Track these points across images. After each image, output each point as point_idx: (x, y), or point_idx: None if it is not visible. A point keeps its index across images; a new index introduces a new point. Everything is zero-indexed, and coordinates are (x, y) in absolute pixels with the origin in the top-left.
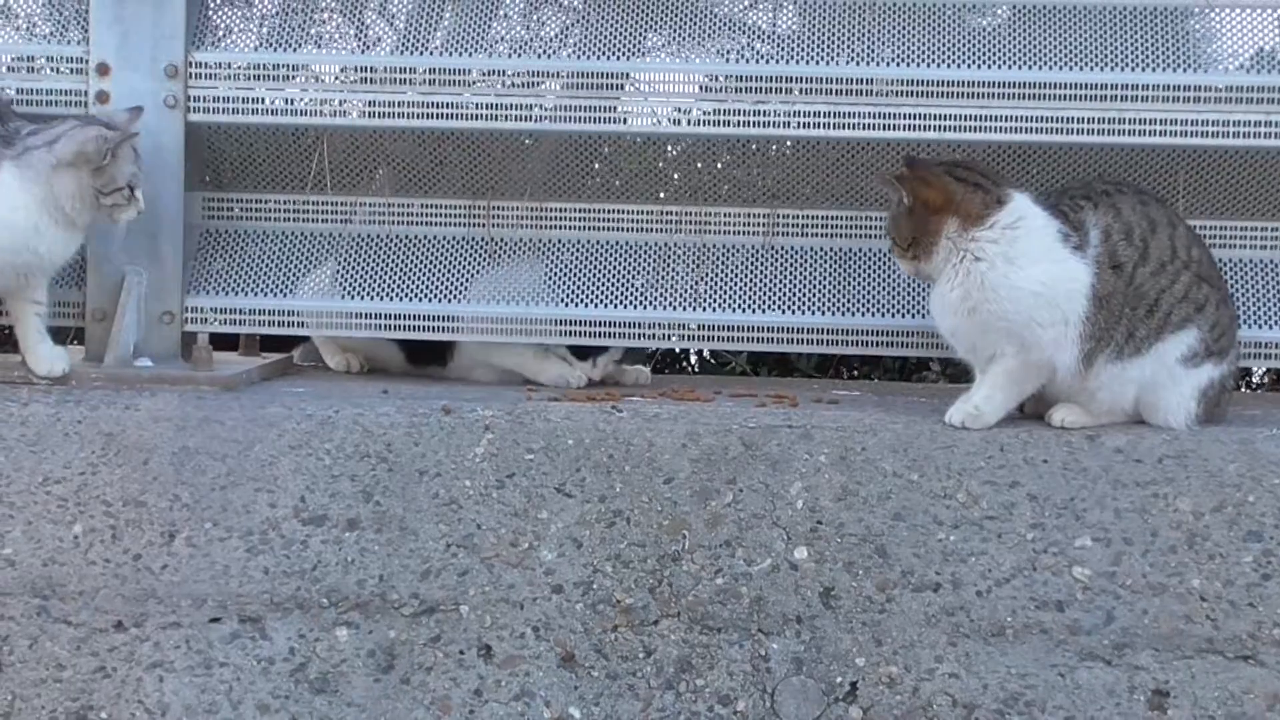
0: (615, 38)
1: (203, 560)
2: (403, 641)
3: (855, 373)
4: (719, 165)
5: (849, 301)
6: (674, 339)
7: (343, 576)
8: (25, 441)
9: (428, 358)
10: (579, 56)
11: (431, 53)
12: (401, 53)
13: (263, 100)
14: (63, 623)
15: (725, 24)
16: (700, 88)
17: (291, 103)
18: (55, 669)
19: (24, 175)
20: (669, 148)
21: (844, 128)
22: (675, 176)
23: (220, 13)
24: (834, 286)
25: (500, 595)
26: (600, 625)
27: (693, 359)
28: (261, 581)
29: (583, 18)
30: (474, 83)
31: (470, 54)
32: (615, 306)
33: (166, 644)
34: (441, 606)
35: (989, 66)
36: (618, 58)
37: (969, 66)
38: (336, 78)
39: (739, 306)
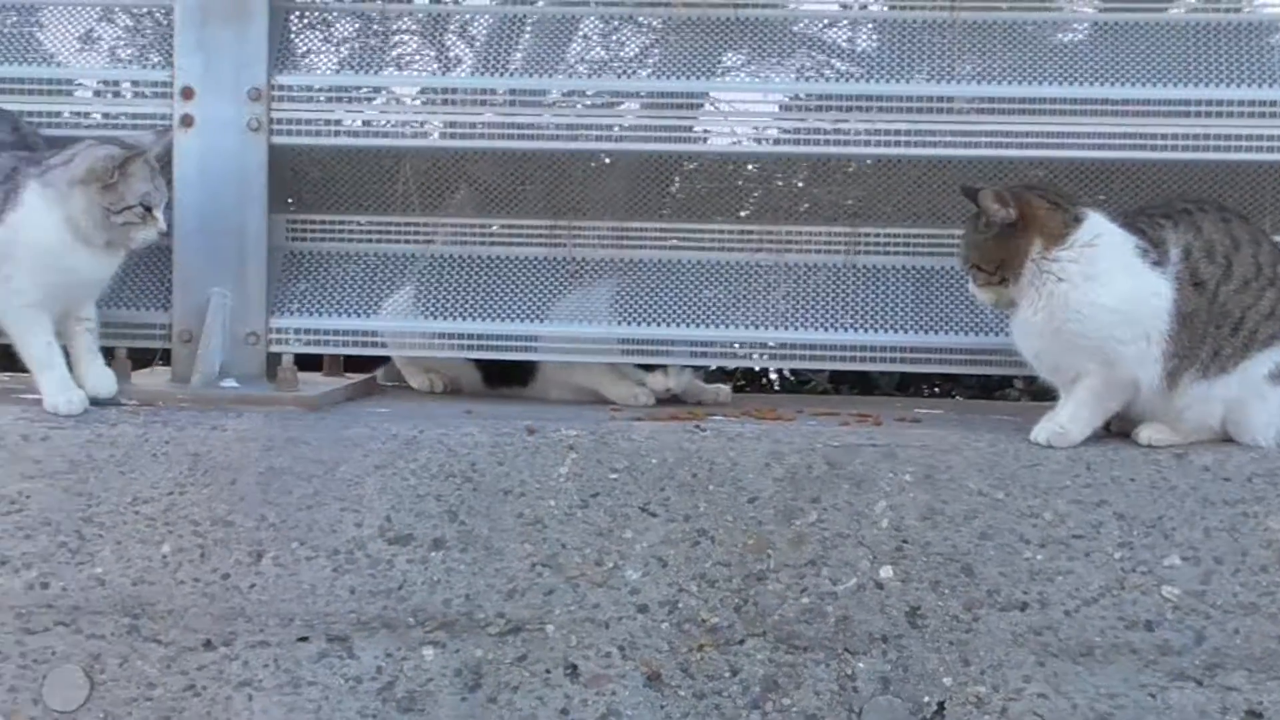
0: (693, 57)
1: (290, 580)
2: (489, 660)
3: (936, 390)
4: (799, 184)
5: (930, 320)
6: (754, 358)
7: (429, 596)
8: (114, 462)
9: (505, 378)
10: (657, 76)
11: (511, 74)
12: (481, 74)
13: (344, 122)
14: (153, 641)
15: (803, 42)
16: (779, 106)
17: (372, 124)
18: (146, 687)
19: (46, 195)
20: (747, 166)
21: (923, 146)
22: (755, 195)
23: (302, 36)
24: (915, 305)
25: (586, 614)
26: (686, 644)
27: (773, 377)
28: (348, 601)
29: (661, 38)
30: (553, 103)
31: (549, 75)
32: (695, 326)
33: (255, 663)
34: (527, 626)
35: (1070, 83)
36: (696, 77)
37: (1049, 83)
38: (416, 99)
39: (819, 325)
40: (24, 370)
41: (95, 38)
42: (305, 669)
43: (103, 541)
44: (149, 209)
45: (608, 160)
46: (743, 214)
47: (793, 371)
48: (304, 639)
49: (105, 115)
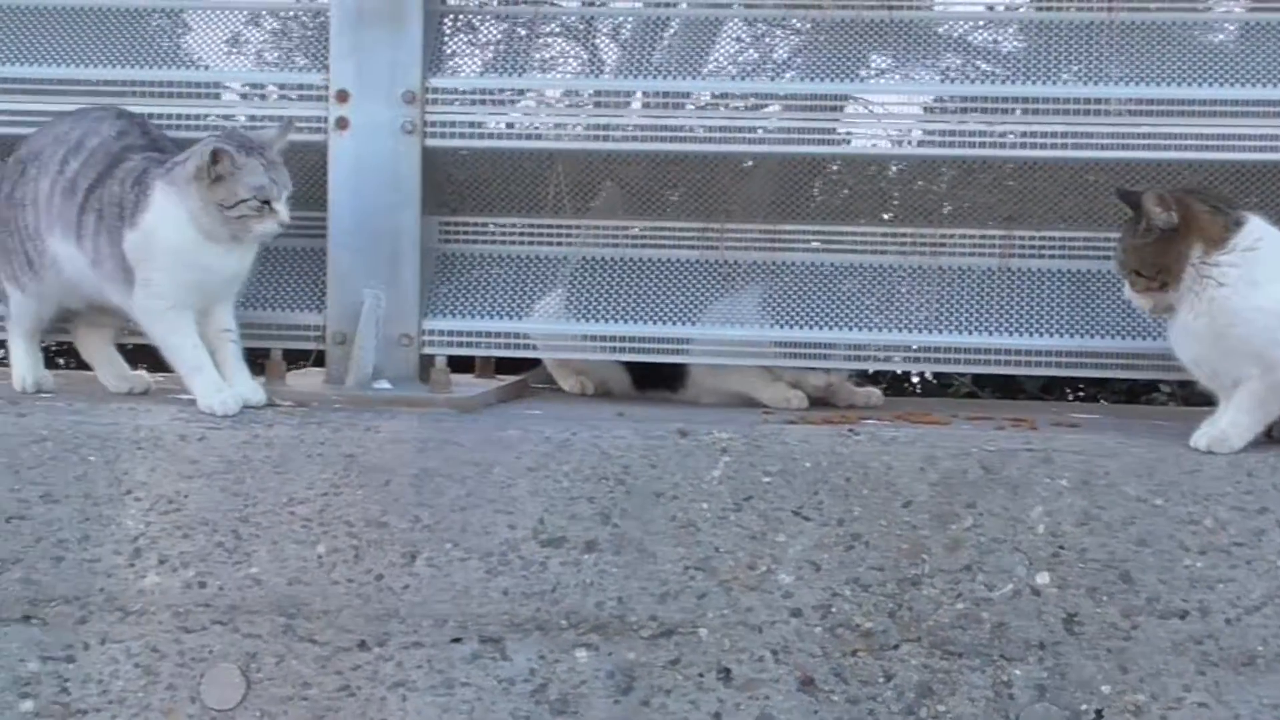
0: (838, 59)
1: (443, 581)
2: (642, 664)
3: (1081, 395)
4: (951, 186)
5: (1083, 323)
6: (904, 361)
7: (582, 598)
8: (270, 462)
9: (655, 382)
10: (802, 79)
11: (656, 76)
12: (630, 76)
13: (496, 125)
14: (308, 641)
15: (949, 44)
16: (924, 109)
17: (522, 127)
18: (301, 686)
19: (170, 193)
20: (894, 168)
21: (1077, 148)
22: (905, 198)
23: (455, 39)
24: (1068, 308)
25: (739, 618)
26: (839, 649)
27: (915, 380)
28: (501, 602)
29: (809, 40)
30: (704, 105)
31: (695, 77)
32: (848, 329)
33: (409, 663)
34: (680, 629)
35: (1227, 85)
36: (840, 79)
37: (1206, 85)
38: (567, 102)
39: (971, 328)
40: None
41: (242, 41)
42: (458, 670)
43: (259, 541)
44: (266, 202)
45: (751, 164)
46: (890, 216)
47: (935, 374)
48: (457, 640)
49: (256, 118)
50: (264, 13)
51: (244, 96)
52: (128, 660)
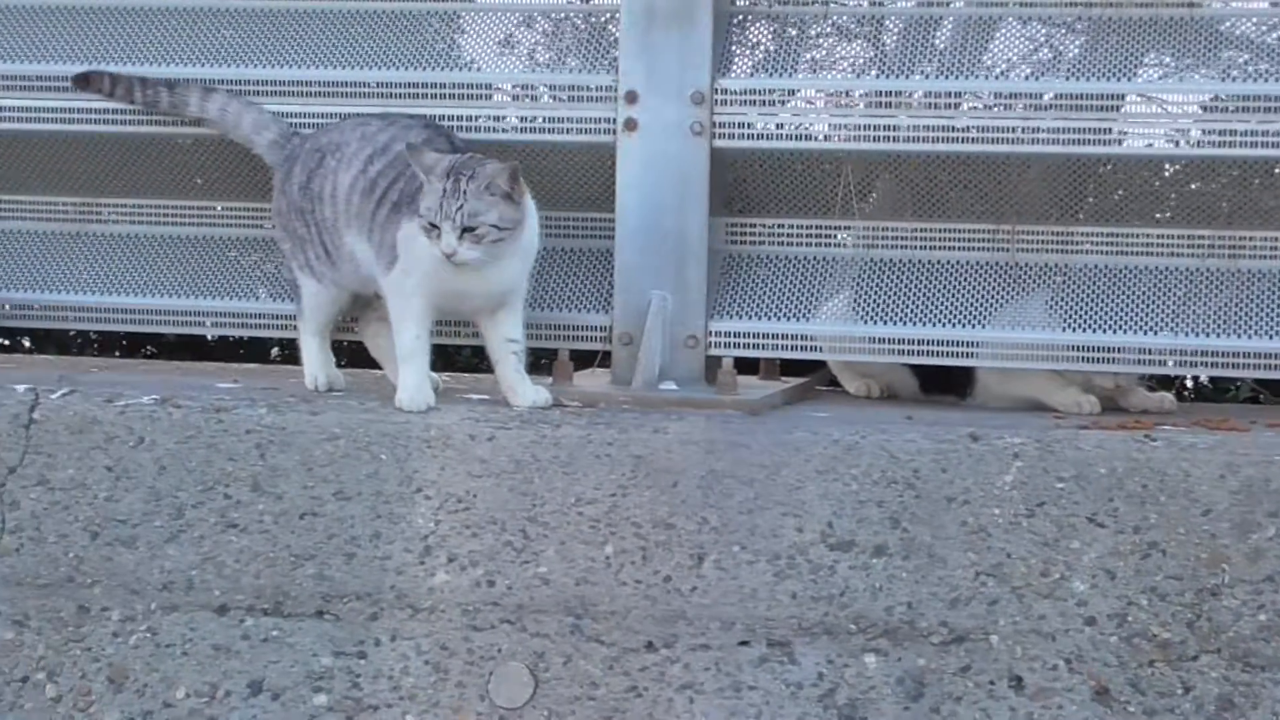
0: (1111, 58)
1: (731, 583)
2: (932, 670)
3: None
4: (1241, 189)
5: None
6: (1189, 365)
7: (870, 603)
8: (558, 463)
9: (942, 386)
10: (1078, 77)
11: (956, 76)
12: (923, 76)
13: (783, 125)
14: (595, 641)
15: (1228, 42)
16: (1201, 108)
17: (810, 127)
18: (589, 687)
19: None
20: (1165, 167)
21: None
22: (1198, 199)
23: (743, 39)
24: None
25: (1031, 626)
26: (1135, 659)
27: (1189, 385)
28: (789, 606)
29: (1087, 40)
30: (991, 106)
31: (985, 77)
32: (1141, 332)
33: (696, 665)
34: (971, 636)
35: None
36: (1114, 79)
37: None
38: (856, 102)
39: (1264, 333)
40: (463, 370)
41: (515, 42)
42: (746, 673)
43: (547, 541)
44: (434, 225)
45: (1035, 164)
46: (1169, 216)
47: (1210, 379)
48: (744, 643)
49: (539, 119)
50: (538, 15)
51: (515, 98)
52: (418, 657)
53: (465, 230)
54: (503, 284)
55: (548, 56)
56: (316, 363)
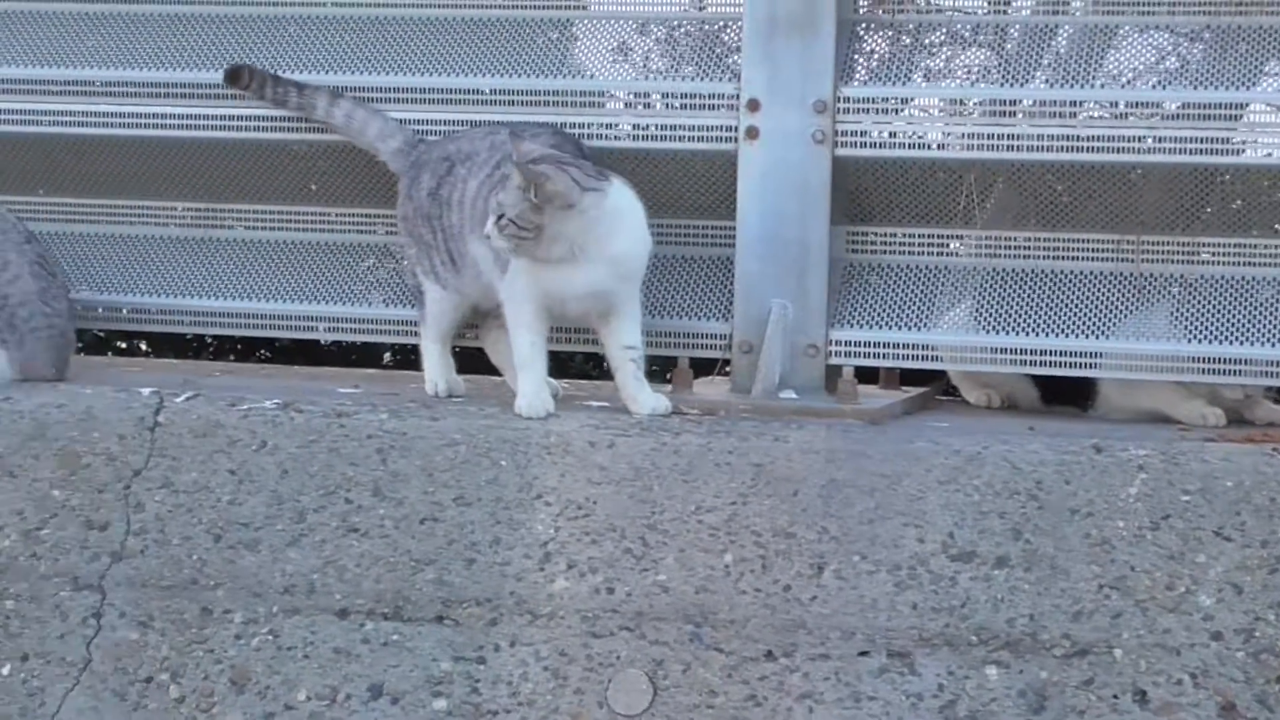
0: (1234, 66)
1: (851, 593)
2: (1054, 683)
3: None
4: None
5: None
6: None
7: (992, 614)
8: (678, 471)
9: (1063, 397)
10: (1198, 86)
11: (1064, 86)
12: (1044, 85)
13: (906, 134)
14: (714, 650)
15: None
16: None
17: (932, 136)
18: (708, 695)
19: None
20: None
21: None
22: None
23: (866, 48)
24: None
25: (1155, 640)
26: (1263, 675)
27: None
28: (909, 616)
29: (1208, 48)
30: (1115, 115)
31: (1107, 86)
32: (1268, 344)
33: (815, 675)
34: (1094, 649)
35: None
36: (1237, 87)
37: None
38: (977, 111)
39: None
40: (575, 376)
41: (628, 50)
42: (866, 684)
43: (666, 549)
44: (498, 218)
45: (1155, 174)
46: None
47: None
48: (864, 653)
49: (668, 127)
50: (652, 23)
51: (628, 105)
52: (537, 663)
53: (499, 219)
54: (592, 286)
55: (662, 64)
56: (437, 368)
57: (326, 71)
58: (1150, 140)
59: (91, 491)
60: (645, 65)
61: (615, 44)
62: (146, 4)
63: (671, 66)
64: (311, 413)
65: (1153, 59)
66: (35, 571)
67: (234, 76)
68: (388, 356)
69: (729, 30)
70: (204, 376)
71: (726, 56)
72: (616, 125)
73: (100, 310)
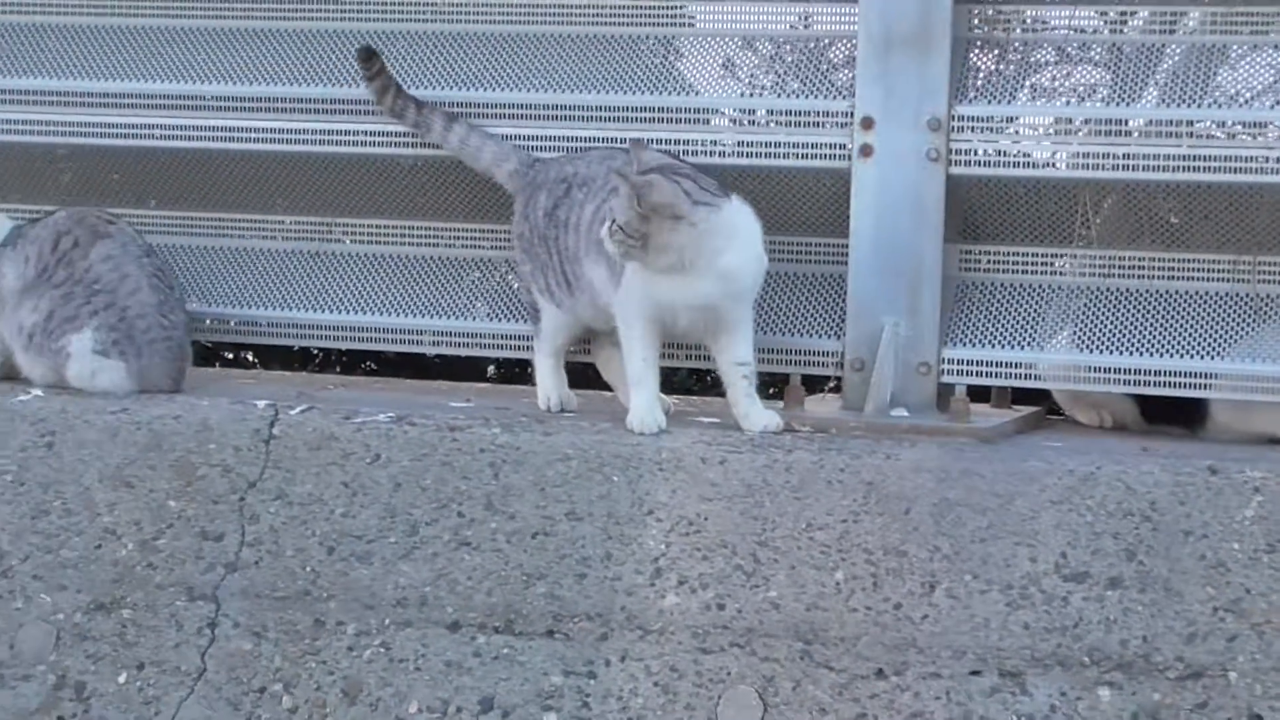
0: None
1: (962, 612)
2: (1166, 705)
3: None
4: None
5: None
6: None
7: (1104, 635)
8: (789, 487)
9: (1172, 418)
10: None
11: (1177, 105)
12: (1161, 104)
13: (1019, 152)
14: (824, 667)
15: None
16: None
17: (1047, 154)
18: (818, 712)
19: None
20: None
21: None
22: None
23: (980, 66)
24: None
25: (1271, 664)
26: None
27: None
28: (1021, 636)
29: None
30: (1238, 134)
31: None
32: None
33: (926, 694)
34: (1208, 672)
35: None
36: None
37: None
38: (1093, 130)
39: None
40: (685, 391)
41: (734, 66)
42: (977, 703)
43: (777, 566)
44: (610, 223)
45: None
46: None
47: None
48: (976, 673)
49: (775, 144)
50: (758, 39)
51: (733, 120)
52: (647, 678)
53: (611, 223)
54: (701, 299)
55: (767, 80)
56: (550, 383)
57: (437, 86)
58: (1269, 160)
59: (207, 502)
60: (751, 81)
61: (721, 60)
62: (258, 19)
63: (777, 82)
64: (425, 426)
65: (1269, 78)
66: (151, 581)
67: (368, 58)
68: (491, 369)
69: (835, 47)
70: (317, 389)
71: (832, 73)
72: (722, 141)
73: (209, 322)
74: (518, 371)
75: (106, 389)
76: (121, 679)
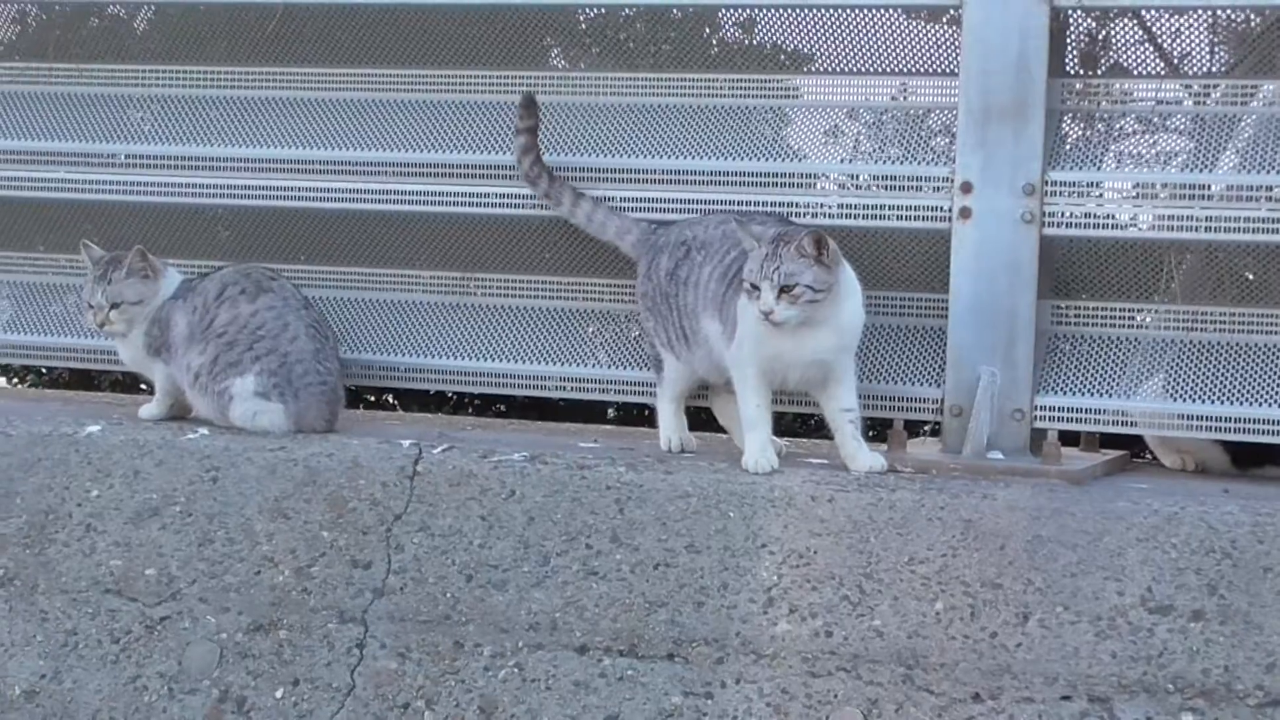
0: None
1: (1054, 641)
2: None
3: None
4: None
5: None
6: None
7: (1188, 664)
8: (893, 524)
9: (1257, 461)
10: None
11: (1252, 170)
12: (1241, 170)
13: (1106, 215)
14: (925, 691)
15: None
16: None
17: (1129, 217)
18: None
19: None
20: None
21: None
22: None
23: (1070, 134)
24: None
25: None
26: None
27: None
28: (1109, 664)
29: None
30: None
31: None
32: None
33: (1020, 717)
34: None
35: None
36: None
37: None
38: (1178, 194)
39: None
40: (790, 434)
41: (839, 134)
42: None
43: (881, 597)
44: (755, 286)
45: None
46: None
47: None
48: (1066, 698)
49: (878, 206)
50: (860, 109)
51: (840, 185)
52: (760, 700)
53: (783, 290)
54: (817, 353)
55: (869, 146)
56: (671, 426)
57: (563, 153)
58: None
59: (356, 533)
60: (855, 148)
61: (826, 128)
62: (402, 91)
63: (878, 149)
64: (556, 465)
65: None
66: (305, 604)
67: (528, 104)
68: (611, 411)
69: (932, 116)
70: (456, 430)
71: (930, 140)
72: (828, 204)
73: (353, 368)
74: (635, 414)
75: (266, 429)
76: (279, 694)
